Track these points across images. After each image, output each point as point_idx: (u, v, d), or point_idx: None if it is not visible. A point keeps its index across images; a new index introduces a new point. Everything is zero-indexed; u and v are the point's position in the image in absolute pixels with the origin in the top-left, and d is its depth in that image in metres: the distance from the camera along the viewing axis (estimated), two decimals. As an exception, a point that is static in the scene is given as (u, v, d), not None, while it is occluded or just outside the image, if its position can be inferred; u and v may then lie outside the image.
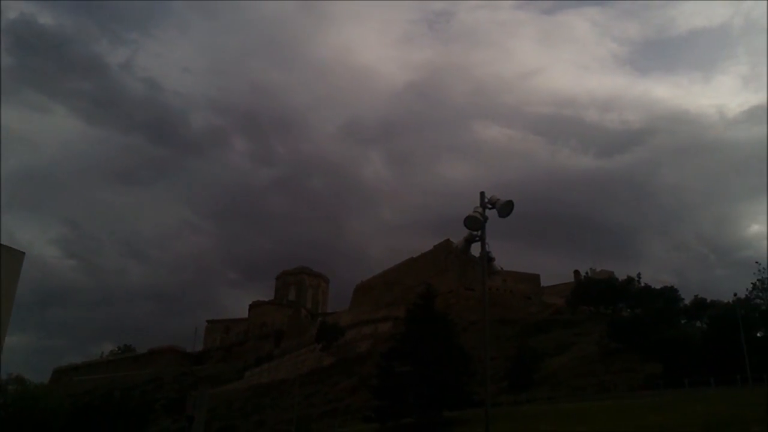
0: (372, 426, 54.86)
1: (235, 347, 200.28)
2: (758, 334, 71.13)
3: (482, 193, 16.49)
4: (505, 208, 16.17)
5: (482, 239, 16.23)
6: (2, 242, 24.17)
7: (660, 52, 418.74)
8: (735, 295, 73.64)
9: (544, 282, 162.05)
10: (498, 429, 36.44)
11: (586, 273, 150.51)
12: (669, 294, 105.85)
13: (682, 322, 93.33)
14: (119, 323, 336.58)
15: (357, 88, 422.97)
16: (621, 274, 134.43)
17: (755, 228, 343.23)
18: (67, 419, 69.85)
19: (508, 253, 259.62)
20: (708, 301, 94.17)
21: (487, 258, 16.56)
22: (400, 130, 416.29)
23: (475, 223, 15.92)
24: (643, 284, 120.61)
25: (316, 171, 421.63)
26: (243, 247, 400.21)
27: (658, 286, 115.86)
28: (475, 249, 16.69)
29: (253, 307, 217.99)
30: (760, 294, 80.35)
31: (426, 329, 55.32)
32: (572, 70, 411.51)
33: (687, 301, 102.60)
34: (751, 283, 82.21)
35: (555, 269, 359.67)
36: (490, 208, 16.25)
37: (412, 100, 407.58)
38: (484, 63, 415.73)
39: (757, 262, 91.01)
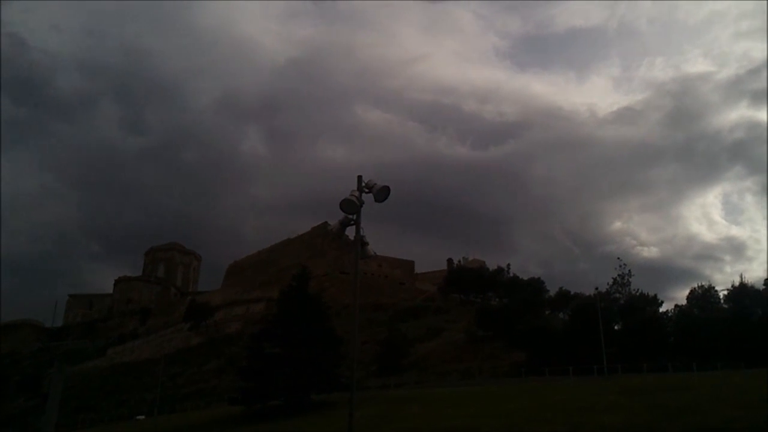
0: (238, 408, 53.77)
1: (98, 323, 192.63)
2: (615, 327, 74.81)
3: (359, 177, 16.14)
4: (382, 193, 15.89)
5: (357, 223, 15.90)
6: None
7: (538, 49, 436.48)
8: (596, 288, 76.98)
9: (418, 269, 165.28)
10: (365, 412, 36.60)
11: (459, 261, 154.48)
12: (535, 285, 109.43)
13: (547, 313, 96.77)
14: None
15: (237, 60, 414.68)
16: (492, 264, 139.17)
17: (618, 225, 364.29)
18: None
19: (384, 239, 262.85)
20: (571, 293, 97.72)
21: (361, 242, 16.27)
22: (280, 106, 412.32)
23: (351, 207, 15.54)
24: (512, 274, 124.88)
25: (190, 143, 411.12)
26: (109, 219, 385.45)
27: (526, 277, 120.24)
28: (351, 232, 16.36)
29: (119, 282, 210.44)
30: (620, 288, 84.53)
31: (299, 311, 54.70)
32: (454, 59, 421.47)
33: (552, 293, 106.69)
34: (612, 278, 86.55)
35: (429, 256, 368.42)
36: (366, 192, 15.93)
37: (293, 77, 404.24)
38: (369, 45, 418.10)
39: (618, 258, 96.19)
